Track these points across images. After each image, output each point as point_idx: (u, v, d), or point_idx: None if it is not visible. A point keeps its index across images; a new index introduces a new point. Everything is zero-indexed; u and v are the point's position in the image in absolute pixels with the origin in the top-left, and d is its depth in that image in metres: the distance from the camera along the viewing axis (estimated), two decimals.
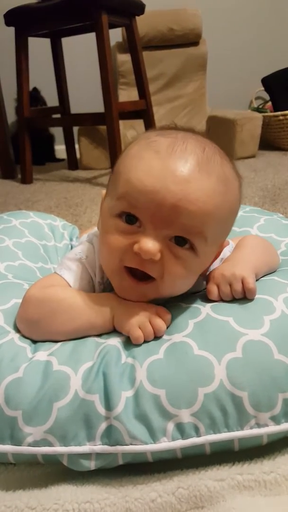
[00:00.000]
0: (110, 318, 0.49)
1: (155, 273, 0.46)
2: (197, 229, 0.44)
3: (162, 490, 0.41)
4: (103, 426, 0.42)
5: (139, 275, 0.47)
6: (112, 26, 1.71)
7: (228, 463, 0.44)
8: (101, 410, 0.43)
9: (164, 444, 0.42)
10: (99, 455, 0.42)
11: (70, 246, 0.85)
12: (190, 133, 0.49)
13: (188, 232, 0.45)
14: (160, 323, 0.47)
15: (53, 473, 0.45)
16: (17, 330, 0.51)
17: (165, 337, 0.47)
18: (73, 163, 2.30)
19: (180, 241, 0.45)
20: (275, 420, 0.43)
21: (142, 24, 2.01)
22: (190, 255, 0.46)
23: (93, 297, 0.51)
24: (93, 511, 0.40)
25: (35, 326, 0.50)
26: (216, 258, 0.53)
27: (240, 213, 0.81)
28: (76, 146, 2.30)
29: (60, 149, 2.55)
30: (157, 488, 0.41)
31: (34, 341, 0.50)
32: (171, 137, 0.47)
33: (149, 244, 0.43)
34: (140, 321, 0.47)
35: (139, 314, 0.47)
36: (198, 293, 0.55)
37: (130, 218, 0.46)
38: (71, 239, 0.87)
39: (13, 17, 1.76)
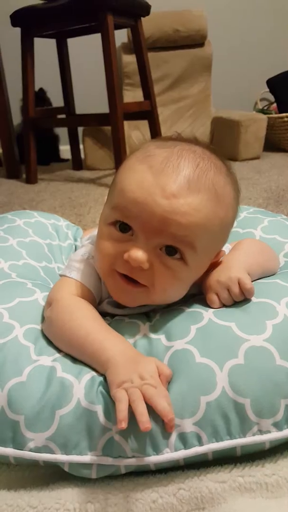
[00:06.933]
0: (103, 367, 0.45)
1: (145, 281, 0.47)
2: (187, 239, 0.45)
3: (163, 491, 0.41)
4: (105, 437, 0.42)
5: (132, 279, 0.48)
6: (118, 27, 1.72)
7: (230, 465, 0.44)
8: (104, 421, 0.42)
9: (167, 455, 0.41)
10: (100, 465, 0.42)
11: (74, 246, 0.85)
12: (191, 144, 0.49)
13: (178, 242, 0.46)
14: (151, 393, 0.40)
15: (55, 473, 0.45)
16: (21, 325, 0.51)
17: (167, 344, 0.47)
18: (77, 163, 2.31)
19: (171, 251, 0.46)
20: (278, 426, 0.43)
21: (148, 25, 2.01)
22: (180, 265, 0.47)
23: (102, 334, 0.47)
24: (94, 511, 0.40)
25: (49, 326, 0.50)
26: (212, 268, 0.53)
27: (243, 214, 0.81)
28: (81, 146, 2.31)
29: (64, 150, 2.56)
30: (158, 489, 0.41)
31: (38, 341, 0.50)
32: (167, 151, 0.47)
33: (138, 253, 0.45)
34: (131, 393, 0.40)
35: (133, 380, 0.41)
36: (200, 295, 0.55)
37: (123, 227, 0.48)
38: (75, 240, 0.88)
39: (19, 17, 1.76)
